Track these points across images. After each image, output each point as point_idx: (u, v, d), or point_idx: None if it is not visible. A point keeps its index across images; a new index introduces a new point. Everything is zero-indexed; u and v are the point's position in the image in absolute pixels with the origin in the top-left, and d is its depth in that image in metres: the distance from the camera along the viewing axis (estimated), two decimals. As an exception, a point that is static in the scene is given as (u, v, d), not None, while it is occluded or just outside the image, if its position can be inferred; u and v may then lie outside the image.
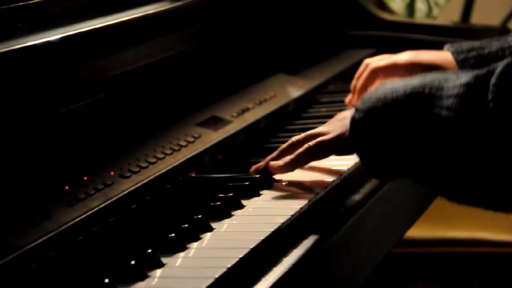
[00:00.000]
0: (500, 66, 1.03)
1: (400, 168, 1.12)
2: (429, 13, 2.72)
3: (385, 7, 2.68)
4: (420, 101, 1.08)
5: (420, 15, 2.71)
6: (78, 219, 1.08)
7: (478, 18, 2.81)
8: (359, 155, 1.16)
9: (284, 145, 1.26)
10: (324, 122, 1.50)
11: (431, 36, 2.01)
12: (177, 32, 1.45)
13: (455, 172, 1.06)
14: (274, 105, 1.58)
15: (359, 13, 2.07)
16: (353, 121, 1.14)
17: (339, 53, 2.00)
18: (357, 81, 1.57)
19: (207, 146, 1.36)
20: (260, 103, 1.57)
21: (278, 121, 1.56)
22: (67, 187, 1.14)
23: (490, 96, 1.01)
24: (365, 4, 2.08)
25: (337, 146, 1.20)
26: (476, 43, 1.47)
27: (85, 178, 1.17)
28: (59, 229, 1.05)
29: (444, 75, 1.09)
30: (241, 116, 1.49)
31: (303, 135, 1.25)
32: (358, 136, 1.14)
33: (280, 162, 1.23)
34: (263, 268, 1.01)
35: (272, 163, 1.24)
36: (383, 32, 2.04)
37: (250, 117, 1.50)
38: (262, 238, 1.05)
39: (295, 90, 1.68)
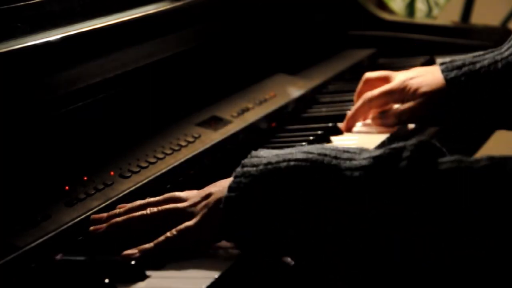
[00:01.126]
0: (410, 143, 0.93)
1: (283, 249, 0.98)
2: (429, 13, 2.72)
3: (385, 7, 2.68)
4: (306, 178, 0.94)
5: (420, 15, 2.71)
6: (78, 219, 1.08)
7: (478, 18, 2.81)
8: (235, 241, 1.00)
9: (136, 212, 1.06)
10: (324, 122, 1.51)
11: (431, 36, 2.01)
12: (177, 32, 1.45)
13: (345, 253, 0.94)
14: (274, 105, 1.58)
15: (359, 13, 2.07)
16: (226, 201, 0.98)
17: (339, 53, 2.00)
18: (351, 110, 1.52)
19: (207, 146, 1.36)
20: (260, 103, 1.57)
21: (278, 121, 1.56)
22: (67, 187, 1.14)
23: (403, 163, 0.91)
24: (365, 4, 2.08)
25: (206, 235, 1.01)
26: (468, 59, 1.42)
27: (85, 178, 1.17)
28: (59, 229, 1.05)
29: (335, 150, 0.96)
30: (241, 116, 1.49)
31: (161, 203, 1.05)
32: (233, 218, 0.98)
33: (136, 252, 1.01)
34: (263, 267, 1.01)
35: (127, 253, 1.01)
36: (383, 32, 2.05)
37: (250, 117, 1.50)
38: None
39: (295, 90, 1.68)
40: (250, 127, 1.48)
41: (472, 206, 0.90)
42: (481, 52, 1.42)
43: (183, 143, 1.34)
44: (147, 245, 1.01)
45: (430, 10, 2.72)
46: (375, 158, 0.93)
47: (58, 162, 1.18)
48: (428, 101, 1.43)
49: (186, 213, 1.02)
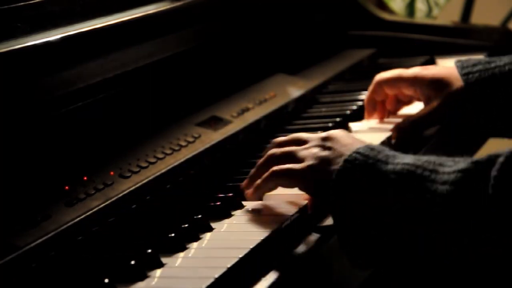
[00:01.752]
0: (502, 156, 0.96)
1: (379, 251, 1.05)
2: (429, 13, 2.72)
3: (385, 7, 2.68)
4: (409, 182, 1.01)
5: (420, 15, 2.71)
6: (78, 219, 1.08)
7: (478, 18, 2.81)
8: (335, 227, 1.07)
9: (262, 159, 1.19)
10: (324, 122, 1.51)
11: (431, 36, 2.01)
12: (177, 32, 1.45)
13: (437, 257, 1.02)
14: (274, 105, 1.58)
15: (359, 13, 2.07)
16: (335, 178, 1.05)
17: (339, 53, 2.00)
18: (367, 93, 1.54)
19: (207, 146, 1.36)
20: (260, 103, 1.57)
21: (278, 121, 1.56)
22: (67, 187, 1.14)
23: (490, 190, 0.95)
24: (365, 4, 2.08)
25: (304, 183, 1.12)
26: (484, 58, 1.44)
27: (85, 178, 1.17)
28: (59, 229, 1.05)
29: (440, 159, 1.02)
30: (241, 116, 1.49)
31: (284, 145, 1.18)
32: (338, 199, 1.06)
33: (251, 190, 1.16)
34: (263, 267, 1.01)
35: (247, 192, 1.17)
36: (383, 32, 2.04)
37: (250, 117, 1.50)
38: (262, 238, 1.05)
39: (295, 90, 1.68)
40: (250, 127, 1.48)
41: None
42: (500, 56, 1.43)
43: (183, 143, 1.34)
44: (258, 181, 1.14)
45: (430, 10, 2.72)
46: (474, 162, 0.98)
47: (58, 162, 1.18)
48: (438, 100, 1.42)
49: (297, 157, 1.13)
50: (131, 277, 0.97)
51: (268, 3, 1.78)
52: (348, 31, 2.06)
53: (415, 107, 1.53)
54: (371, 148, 1.07)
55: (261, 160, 1.18)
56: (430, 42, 2.00)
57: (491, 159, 0.97)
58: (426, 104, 1.46)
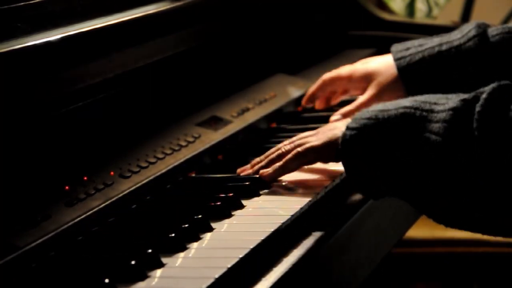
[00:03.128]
0: (486, 92, 1.05)
1: (388, 187, 1.13)
2: (429, 13, 2.72)
3: (385, 7, 2.68)
4: (410, 122, 1.10)
5: (420, 15, 2.71)
6: (78, 219, 1.09)
7: (478, 18, 2.80)
8: (347, 172, 1.16)
9: (272, 154, 1.26)
10: (323, 122, 1.51)
11: (431, 36, 2.01)
12: (177, 32, 1.45)
13: (443, 196, 1.08)
14: (274, 105, 1.58)
15: (359, 13, 2.07)
16: (344, 138, 1.14)
17: (339, 53, 2.00)
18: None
19: (207, 146, 1.36)
20: (260, 103, 1.57)
21: (278, 121, 1.56)
22: (67, 187, 1.14)
23: (475, 124, 1.04)
24: (365, 4, 2.08)
25: (325, 154, 1.21)
26: (418, 41, 1.47)
27: (85, 178, 1.17)
28: (59, 229, 1.05)
29: (435, 97, 1.11)
30: (241, 116, 1.49)
31: (290, 143, 1.26)
32: (348, 153, 1.15)
33: (270, 169, 1.23)
34: (263, 268, 1.01)
35: (262, 171, 1.24)
36: (383, 32, 2.04)
37: (250, 117, 1.50)
38: (262, 238, 1.05)
39: (295, 90, 1.68)
40: (250, 127, 1.48)
41: None
42: (434, 36, 1.47)
43: (183, 143, 1.34)
44: (278, 163, 1.23)
45: (430, 10, 2.72)
46: (463, 99, 1.07)
47: (58, 162, 1.18)
48: (371, 89, 1.48)
49: (312, 139, 1.23)
50: (131, 277, 0.97)
51: (268, 3, 1.78)
52: (348, 31, 2.06)
53: None
54: (374, 105, 1.16)
55: (272, 154, 1.26)
56: (430, 42, 2.00)
57: (477, 96, 1.06)
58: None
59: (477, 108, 1.05)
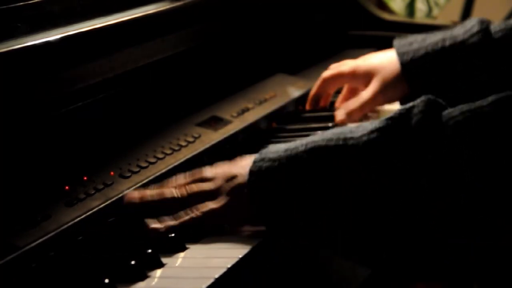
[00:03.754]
0: (417, 106, 0.97)
1: (309, 230, 1.01)
2: (429, 13, 2.72)
3: (385, 7, 2.68)
4: (324, 155, 0.99)
5: (420, 15, 2.71)
6: (78, 219, 1.08)
7: (478, 18, 2.81)
8: (264, 224, 1.05)
9: (166, 192, 1.12)
10: (324, 122, 1.51)
11: (431, 36, 2.01)
12: (177, 32, 1.45)
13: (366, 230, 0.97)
14: (274, 105, 1.58)
15: (359, 13, 2.07)
16: (250, 185, 1.03)
17: (339, 53, 2.00)
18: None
19: (207, 146, 1.36)
20: (260, 103, 1.57)
21: (278, 121, 1.56)
22: (67, 187, 1.14)
23: (414, 119, 0.95)
24: (365, 4, 2.08)
25: (231, 216, 1.07)
26: (421, 36, 1.46)
27: (85, 178, 1.17)
28: (59, 229, 1.05)
29: (345, 129, 1.01)
30: (241, 116, 1.49)
31: (185, 184, 1.12)
32: (259, 202, 1.03)
33: (162, 227, 1.08)
34: (263, 267, 1.01)
35: (152, 227, 1.08)
36: (383, 32, 2.04)
37: (250, 117, 1.50)
38: (263, 238, 1.05)
39: (295, 90, 1.68)
40: (250, 127, 1.48)
41: (489, 149, 0.92)
42: (435, 32, 1.46)
43: (183, 143, 1.34)
44: (171, 222, 1.07)
45: (430, 10, 2.72)
46: (388, 119, 0.97)
47: (58, 162, 1.18)
48: (374, 83, 1.48)
49: (211, 195, 1.08)
50: (131, 277, 0.97)
51: (268, 3, 1.78)
52: (348, 31, 2.06)
53: None
54: (263, 151, 1.05)
55: (168, 195, 1.12)
56: (430, 42, 2.00)
57: (403, 113, 0.97)
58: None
59: (414, 121, 0.95)
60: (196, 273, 0.98)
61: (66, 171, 1.17)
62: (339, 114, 1.49)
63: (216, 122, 1.44)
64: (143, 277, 0.97)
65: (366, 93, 1.48)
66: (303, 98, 1.68)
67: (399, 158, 0.95)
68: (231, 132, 1.43)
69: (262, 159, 1.03)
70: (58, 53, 1.17)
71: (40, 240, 1.02)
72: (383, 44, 2.01)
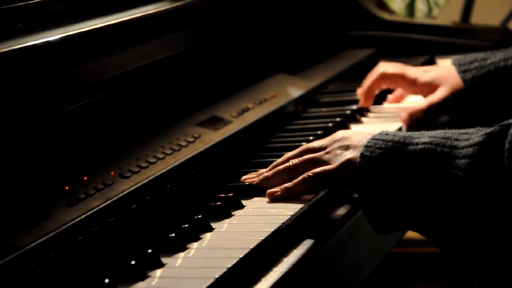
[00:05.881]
0: None
1: (404, 222, 1.10)
2: (429, 13, 2.72)
3: (385, 7, 2.68)
4: (431, 159, 1.06)
5: (420, 15, 2.71)
6: (78, 219, 1.08)
7: (478, 18, 2.81)
8: (362, 206, 1.13)
9: (280, 166, 1.21)
10: (324, 122, 1.51)
11: (431, 36, 2.01)
12: (177, 32, 1.45)
13: (462, 231, 1.05)
14: (274, 105, 1.58)
15: (359, 13, 2.07)
16: (360, 167, 1.11)
17: (339, 53, 2.00)
18: (366, 80, 1.62)
19: (207, 146, 1.36)
20: (260, 103, 1.57)
21: (278, 121, 1.56)
22: (67, 187, 1.14)
23: (506, 162, 1.00)
24: (365, 4, 2.08)
25: (339, 182, 1.16)
26: (480, 55, 1.52)
27: (85, 178, 1.17)
28: (59, 229, 1.05)
29: (454, 133, 1.08)
30: (241, 116, 1.49)
31: (299, 154, 1.20)
32: (362, 183, 1.11)
33: (278, 190, 1.18)
34: (263, 267, 1.01)
35: (270, 191, 1.18)
36: (383, 32, 2.04)
37: (250, 117, 1.50)
38: (262, 238, 1.05)
39: (295, 90, 1.68)
40: (250, 127, 1.48)
41: None
42: (495, 51, 1.51)
43: (183, 143, 1.34)
44: (287, 184, 1.17)
45: (430, 10, 2.72)
46: (488, 134, 1.04)
47: (58, 162, 1.18)
48: (443, 90, 1.51)
49: (323, 160, 1.17)
50: (131, 277, 0.97)
51: (268, 3, 1.78)
52: (348, 31, 2.06)
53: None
54: (386, 133, 1.13)
55: (280, 166, 1.21)
56: (430, 42, 2.00)
57: (502, 129, 1.02)
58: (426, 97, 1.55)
59: (507, 145, 1.01)
60: (196, 273, 0.98)
61: (66, 171, 1.17)
62: (403, 115, 1.52)
63: (216, 122, 1.44)
64: (143, 277, 0.97)
65: (433, 97, 1.52)
66: (303, 98, 1.68)
67: (492, 174, 1.01)
68: (231, 132, 1.43)
69: (375, 145, 1.10)
70: (58, 53, 1.17)
71: (40, 240, 1.02)
72: (383, 44, 2.01)
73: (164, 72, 1.45)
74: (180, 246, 1.04)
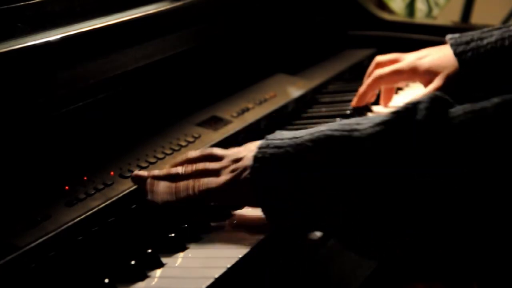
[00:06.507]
0: (424, 102, 0.97)
1: (309, 223, 1.02)
2: (429, 13, 2.72)
3: (385, 7, 2.68)
4: (328, 144, 0.98)
5: (420, 15, 2.71)
6: (78, 219, 1.08)
7: (478, 18, 2.81)
8: (263, 209, 1.04)
9: (175, 168, 1.15)
10: (324, 122, 1.51)
11: (431, 36, 2.01)
12: (177, 32, 1.45)
13: (367, 222, 0.96)
14: (274, 105, 1.58)
15: (359, 13, 2.07)
16: (253, 170, 1.03)
17: (339, 53, 2.00)
18: (362, 85, 1.59)
19: (207, 146, 1.36)
20: (260, 103, 1.57)
21: (278, 121, 1.56)
22: (67, 187, 1.14)
23: (419, 115, 0.95)
24: (365, 4, 2.08)
25: (227, 196, 1.08)
26: (476, 34, 1.48)
27: (85, 178, 1.17)
28: (59, 229, 1.05)
29: (353, 120, 1.01)
30: (241, 116, 1.49)
31: (193, 162, 1.14)
32: (260, 187, 1.03)
33: (146, 178, 1.13)
34: (263, 267, 1.01)
35: (137, 173, 1.14)
36: (383, 32, 2.04)
37: (250, 117, 1.50)
38: (263, 238, 1.05)
39: (295, 90, 1.68)
40: (250, 127, 1.48)
41: (491, 150, 0.92)
42: (490, 28, 1.47)
43: (183, 143, 1.34)
44: (169, 183, 1.11)
45: (430, 10, 2.72)
46: (394, 112, 0.97)
47: (58, 162, 1.18)
48: (439, 80, 1.49)
49: (215, 174, 1.09)
50: (131, 277, 0.97)
51: (268, 3, 1.78)
52: (348, 31, 2.06)
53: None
54: (281, 132, 1.05)
55: (173, 170, 1.15)
56: (430, 42, 2.00)
57: (409, 108, 0.96)
58: (426, 86, 1.52)
59: (419, 116, 0.95)
60: (196, 273, 0.98)
61: (66, 171, 1.17)
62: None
63: (216, 122, 1.44)
64: (143, 277, 0.97)
65: (433, 87, 1.49)
66: (303, 98, 1.68)
67: (401, 152, 0.95)
68: (231, 132, 1.43)
69: (267, 145, 1.03)
70: (58, 53, 1.17)
71: (40, 240, 1.02)
72: (383, 44, 2.01)
73: (164, 72, 1.45)
74: (180, 246, 1.04)
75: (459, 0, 2.83)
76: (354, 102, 1.59)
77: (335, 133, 0.99)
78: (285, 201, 1.01)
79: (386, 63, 1.58)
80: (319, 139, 0.99)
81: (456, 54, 1.46)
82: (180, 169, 1.14)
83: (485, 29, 1.46)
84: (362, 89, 1.58)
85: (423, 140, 0.94)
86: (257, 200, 1.04)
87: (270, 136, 1.05)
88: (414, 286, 2.09)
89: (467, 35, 1.47)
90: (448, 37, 1.50)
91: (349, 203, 0.97)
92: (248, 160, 1.05)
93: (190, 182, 1.10)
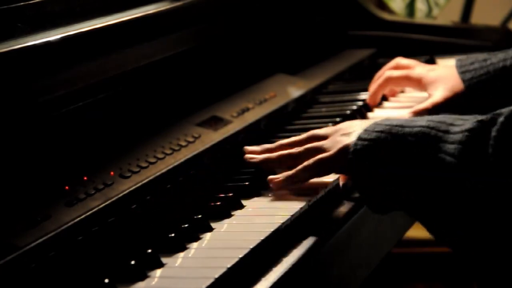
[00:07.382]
0: (502, 115, 1.03)
1: (396, 203, 1.12)
2: (429, 13, 2.72)
3: (385, 7, 2.68)
4: (424, 142, 1.08)
5: (420, 15, 2.71)
6: (78, 219, 1.08)
7: (478, 18, 2.81)
8: (355, 185, 1.16)
9: (284, 150, 1.25)
10: (324, 122, 1.51)
11: (431, 36, 2.01)
12: (177, 32, 1.45)
13: (451, 217, 1.06)
14: (274, 105, 1.58)
15: (359, 13, 2.07)
16: (355, 148, 1.13)
17: (339, 53, 2.00)
18: (372, 84, 1.65)
19: (207, 146, 1.36)
20: (260, 103, 1.57)
21: (278, 121, 1.56)
22: (67, 187, 1.14)
23: (490, 149, 1.01)
24: (365, 4, 2.08)
25: (337, 166, 1.19)
26: (481, 55, 1.55)
27: (85, 178, 1.17)
28: (59, 229, 1.05)
29: (452, 118, 1.09)
30: (241, 116, 1.49)
31: (304, 142, 1.25)
32: (357, 165, 1.13)
33: (280, 178, 1.21)
34: (263, 268, 1.01)
35: (271, 178, 1.21)
36: (383, 32, 2.04)
37: (250, 117, 1.50)
38: (262, 238, 1.05)
39: (295, 90, 1.68)
40: (250, 127, 1.48)
41: None
42: (496, 52, 1.54)
43: (183, 143, 1.34)
44: (289, 172, 1.20)
45: (430, 10, 2.72)
46: (479, 121, 1.05)
47: (58, 162, 1.18)
48: (443, 93, 1.55)
49: (324, 148, 1.20)
50: (131, 277, 0.97)
51: (268, 3, 1.78)
52: (348, 31, 2.06)
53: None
54: (388, 118, 1.15)
55: (284, 143, 1.27)
56: (430, 42, 2.00)
57: (494, 118, 1.03)
58: (429, 96, 1.57)
59: (493, 133, 1.02)
60: (196, 273, 0.98)
61: (66, 171, 1.17)
62: (406, 113, 1.55)
63: (216, 122, 1.44)
64: (143, 277, 0.97)
65: (435, 97, 1.55)
66: (303, 98, 1.68)
67: (480, 160, 1.02)
68: (231, 132, 1.43)
69: (374, 129, 1.13)
70: (58, 53, 1.17)
71: (40, 240, 1.02)
72: (383, 44, 2.01)
73: (164, 72, 1.45)
74: (180, 246, 1.04)
75: (459, 0, 2.83)
76: (369, 101, 1.64)
77: (432, 132, 1.08)
78: (378, 178, 1.11)
79: (404, 66, 1.65)
80: (418, 134, 1.09)
81: (460, 73, 1.54)
82: (293, 150, 1.24)
83: (491, 53, 1.54)
84: (373, 88, 1.64)
85: (495, 155, 1.01)
86: (354, 177, 1.15)
87: (377, 120, 1.15)
88: (414, 286, 2.09)
89: (472, 57, 1.55)
90: (456, 58, 1.57)
91: (429, 194, 1.07)
92: (351, 139, 1.15)
93: (306, 161, 1.20)
